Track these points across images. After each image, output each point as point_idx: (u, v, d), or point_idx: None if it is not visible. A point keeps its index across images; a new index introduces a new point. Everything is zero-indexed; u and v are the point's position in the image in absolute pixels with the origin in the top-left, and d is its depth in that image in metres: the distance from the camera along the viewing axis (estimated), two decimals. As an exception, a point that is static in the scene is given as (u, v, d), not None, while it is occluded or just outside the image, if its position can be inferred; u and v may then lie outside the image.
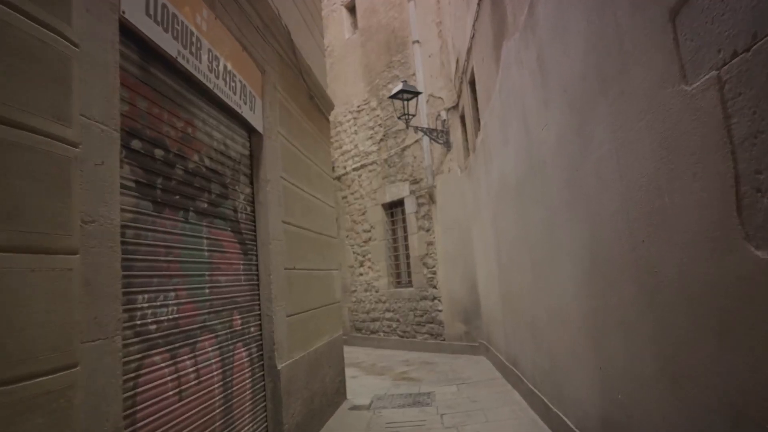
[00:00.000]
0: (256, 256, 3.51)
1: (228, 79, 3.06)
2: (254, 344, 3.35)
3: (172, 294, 2.35)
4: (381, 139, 9.18)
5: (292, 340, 3.81)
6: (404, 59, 8.62)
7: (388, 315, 9.10)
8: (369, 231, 9.57)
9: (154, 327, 2.17)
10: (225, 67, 3.02)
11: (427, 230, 8.15)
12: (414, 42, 8.19)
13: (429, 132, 7.53)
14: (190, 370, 2.47)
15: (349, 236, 10.19)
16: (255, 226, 3.53)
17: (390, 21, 8.94)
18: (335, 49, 10.45)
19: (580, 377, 2.83)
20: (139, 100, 2.20)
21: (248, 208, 3.45)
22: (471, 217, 6.97)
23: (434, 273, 8.02)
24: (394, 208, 9.14)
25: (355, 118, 9.89)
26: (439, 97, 7.86)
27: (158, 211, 2.29)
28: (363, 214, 9.74)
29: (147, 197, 2.20)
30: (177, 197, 2.47)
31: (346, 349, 9.62)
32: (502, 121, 4.26)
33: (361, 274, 9.85)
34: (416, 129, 7.40)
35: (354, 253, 10.04)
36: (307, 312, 4.27)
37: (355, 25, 10.15)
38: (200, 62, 2.68)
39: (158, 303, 2.22)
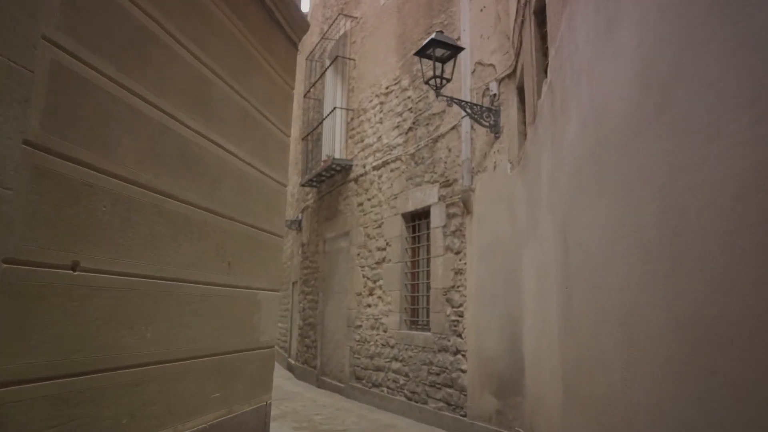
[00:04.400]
0: None
1: None
2: None
3: None
4: (409, 129, 6.90)
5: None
6: (448, 20, 6.38)
7: (396, 366, 6.64)
8: (384, 249, 7.22)
9: None
10: None
11: (457, 252, 5.71)
12: (462, -7, 5.98)
13: (471, 108, 5.19)
14: None
15: (360, 254, 7.88)
16: None
17: (435, -26, 6.77)
18: (368, 20, 8.38)
19: None
20: None
21: None
22: (522, 236, 4.51)
23: (461, 315, 5.54)
24: (418, 219, 6.77)
25: (381, 104, 7.69)
26: (490, 64, 5.53)
27: None
28: (379, 226, 7.42)
29: None
30: None
31: (339, 403, 7.23)
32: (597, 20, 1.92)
33: (368, 305, 7.47)
34: (450, 101, 5.07)
35: (364, 276, 7.69)
36: (146, 368, 1.97)
37: (393, -13, 8.06)
38: None
39: None
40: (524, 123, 4.92)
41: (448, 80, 4.99)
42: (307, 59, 10.44)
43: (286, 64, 3.36)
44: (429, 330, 6.08)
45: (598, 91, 1.96)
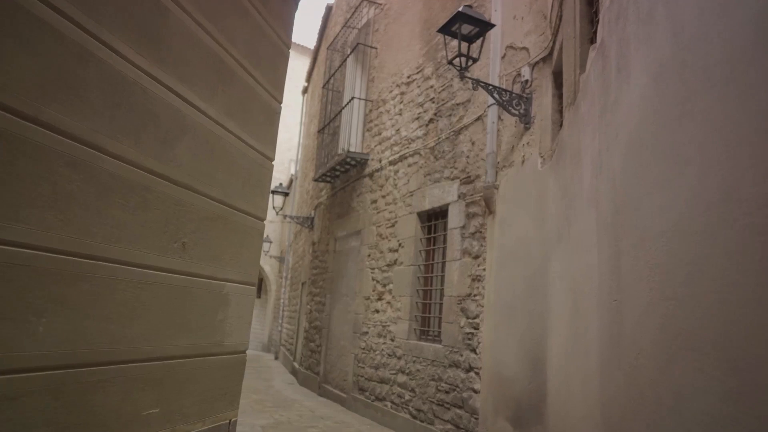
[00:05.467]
0: None
1: None
2: None
3: None
4: (430, 120, 6.32)
5: None
6: (478, 0, 5.79)
7: (402, 379, 6.03)
8: (396, 250, 6.64)
9: None
10: None
11: (475, 257, 5.10)
12: (496, -30, 5.39)
13: (499, 94, 4.58)
14: None
15: (371, 255, 7.31)
16: None
17: (467, -47, 6.19)
18: (392, 5, 7.85)
19: None
20: None
21: None
22: (551, 240, 3.87)
23: (476, 327, 4.91)
24: (434, 219, 6.17)
25: (402, 94, 7.14)
26: (523, 48, 4.92)
27: None
28: (392, 225, 6.84)
29: None
30: None
31: (339, 416, 6.57)
32: None
33: (376, 311, 6.89)
34: (477, 84, 4.47)
35: (373, 279, 7.12)
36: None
37: (421, -29, 7.51)
38: None
39: None
40: (559, 111, 4.30)
41: (475, 60, 4.39)
42: (328, 49, 9.97)
43: (280, 16, 2.82)
44: (440, 342, 5.46)
45: (690, 15, 1.36)
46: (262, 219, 2.72)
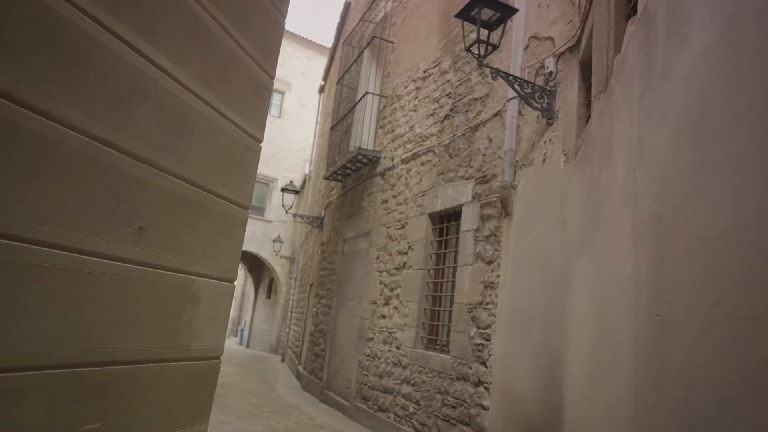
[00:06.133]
0: None
1: None
2: None
3: None
4: (446, 116, 5.97)
5: None
6: (501, -10, 5.43)
7: (406, 390, 5.66)
8: (405, 253, 6.28)
9: None
10: None
11: (489, 262, 4.72)
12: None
13: (520, 86, 4.21)
14: None
15: (379, 257, 6.97)
16: None
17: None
18: (411, -2, 7.53)
19: None
20: None
21: None
22: (574, 246, 3.48)
23: (487, 339, 4.53)
24: (446, 221, 5.80)
25: (417, 89, 6.80)
26: (548, 37, 4.55)
27: None
28: (402, 227, 6.49)
29: None
30: None
31: (339, 425, 6.08)
32: None
33: (383, 316, 6.53)
34: (496, 73, 4.11)
35: (381, 283, 6.77)
36: None
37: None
38: None
39: None
40: (586, 105, 3.93)
41: (495, 47, 4.04)
42: (344, 43, 9.68)
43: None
44: (448, 352, 5.09)
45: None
46: (246, 207, 2.40)
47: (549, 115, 4.24)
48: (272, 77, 2.59)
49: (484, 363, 4.49)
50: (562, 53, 4.29)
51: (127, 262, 1.74)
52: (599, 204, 2.79)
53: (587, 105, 3.92)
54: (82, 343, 1.58)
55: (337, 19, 12.34)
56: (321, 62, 19.80)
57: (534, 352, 3.80)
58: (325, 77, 15.15)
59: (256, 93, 2.44)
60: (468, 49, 4.09)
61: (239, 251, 2.38)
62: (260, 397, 7.97)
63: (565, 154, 3.96)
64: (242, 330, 21.97)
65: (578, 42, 4.07)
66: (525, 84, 4.23)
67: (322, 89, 15.74)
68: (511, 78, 4.18)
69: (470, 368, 4.63)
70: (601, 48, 3.07)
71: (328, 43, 17.45)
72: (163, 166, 1.86)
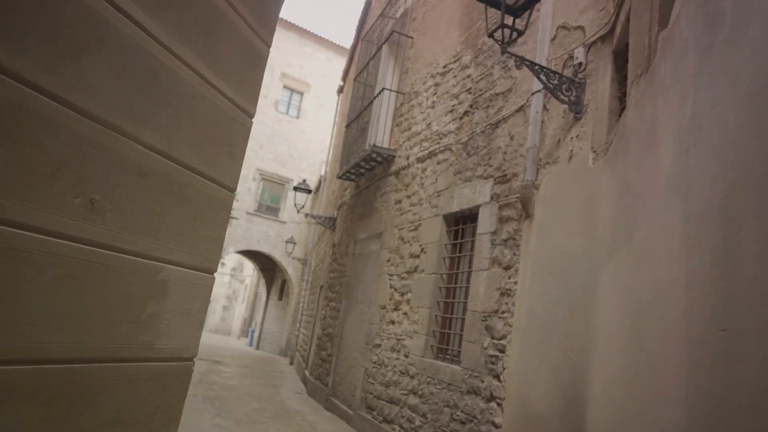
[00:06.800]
0: None
1: None
2: None
3: None
4: (465, 113, 5.65)
5: None
6: (528, -21, 5.11)
7: (413, 401, 5.32)
8: (417, 256, 5.96)
9: None
10: None
11: (506, 267, 4.37)
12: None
13: (546, 76, 3.88)
14: None
15: (390, 260, 6.65)
16: None
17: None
18: (433, -8, 7.25)
19: None
20: None
21: None
22: (602, 250, 3.12)
23: (501, 350, 4.18)
24: (462, 223, 5.47)
25: (436, 85, 6.49)
26: (578, 27, 4.21)
27: None
28: (415, 228, 6.17)
29: None
30: None
31: None
32: None
33: (392, 322, 6.21)
34: (520, 62, 3.78)
35: (391, 287, 6.45)
36: None
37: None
38: None
39: None
40: (619, 98, 3.58)
41: (520, 33, 3.71)
42: (362, 39, 9.43)
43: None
44: (459, 363, 4.74)
45: None
46: (232, 189, 2.11)
47: (577, 109, 3.89)
48: (268, 45, 2.30)
49: (497, 376, 4.13)
50: (593, 43, 3.95)
51: (72, 240, 1.45)
52: (636, 201, 2.44)
53: (620, 97, 3.57)
54: (5, 336, 1.30)
55: (358, 19, 12.12)
56: (341, 64, 19.64)
57: (553, 367, 3.45)
58: (344, 77, 14.94)
59: (248, 61, 2.16)
60: (491, 35, 3.77)
61: (221, 238, 2.09)
62: (263, 401, 7.69)
63: (594, 151, 3.61)
64: (253, 331, 21.80)
65: (612, 29, 3.72)
66: (552, 75, 3.90)
67: (340, 90, 15.53)
68: (536, 67, 3.85)
69: (482, 381, 4.28)
70: (642, 27, 2.73)
71: (349, 44, 17.28)
72: (125, 129, 1.58)
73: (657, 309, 1.91)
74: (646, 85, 2.46)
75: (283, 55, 19.96)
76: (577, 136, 3.87)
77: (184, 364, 1.96)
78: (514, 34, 3.71)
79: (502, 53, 3.74)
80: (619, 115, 3.48)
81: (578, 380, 3.11)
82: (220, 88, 1.98)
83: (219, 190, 2.05)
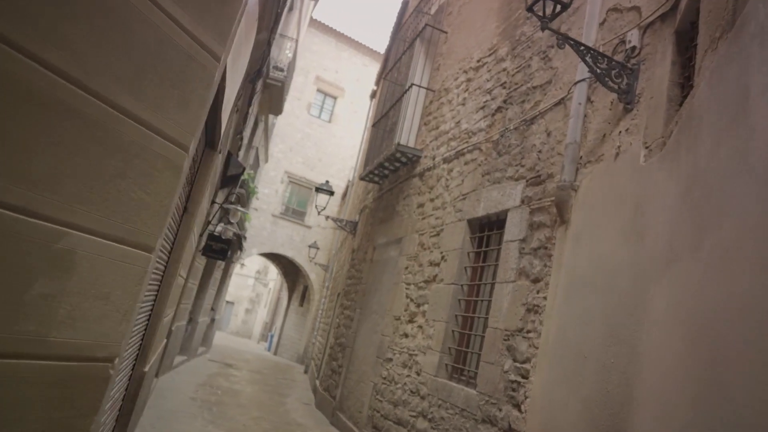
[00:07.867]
0: None
1: None
2: None
3: None
4: (498, 109, 5.13)
5: None
6: (576, -39, 4.58)
7: (422, 425, 4.77)
8: (437, 264, 5.43)
9: None
10: None
11: (535, 280, 3.81)
12: None
13: (594, 60, 3.33)
14: None
15: (408, 268, 6.14)
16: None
17: None
18: (470, -16, 6.78)
19: None
20: None
21: None
22: (655, 263, 2.55)
23: (524, 376, 3.60)
24: (488, 230, 4.92)
25: (468, 81, 6.00)
26: (633, 8, 3.66)
27: None
28: (437, 234, 5.66)
29: None
30: None
31: None
32: None
33: (405, 335, 5.68)
34: (564, 41, 3.25)
35: (407, 297, 5.93)
36: None
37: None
38: None
39: None
40: (680, 84, 3.01)
41: (565, 6, 3.18)
42: (396, 38, 9.02)
43: None
44: (474, 386, 4.17)
45: None
46: (185, 147, 1.65)
47: (628, 98, 3.33)
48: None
49: (517, 406, 3.56)
50: (651, 23, 3.39)
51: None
52: (710, 196, 1.88)
53: (681, 84, 3.01)
54: None
55: (394, 23, 11.74)
56: (376, 69, 19.34)
57: (587, 401, 2.86)
58: (378, 81, 14.58)
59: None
60: (530, 8, 3.26)
61: (165, 208, 1.62)
62: (265, 410, 7.23)
63: (646, 147, 3.04)
64: (272, 336, 21.49)
65: (675, 6, 3.16)
66: (600, 58, 3.35)
67: (373, 95, 15.18)
68: (582, 49, 3.31)
69: (500, 410, 3.71)
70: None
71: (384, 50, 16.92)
72: (11, 39, 1.12)
73: (738, 331, 1.36)
74: (729, 45, 1.91)
75: (319, 59, 19.81)
76: (627, 129, 3.31)
77: (96, 367, 1.48)
78: (558, 8, 3.19)
79: (542, 29, 3.22)
80: (680, 104, 2.92)
81: (619, 420, 2.53)
82: (171, 13, 1.51)
83: (164, 144, 1.58)
